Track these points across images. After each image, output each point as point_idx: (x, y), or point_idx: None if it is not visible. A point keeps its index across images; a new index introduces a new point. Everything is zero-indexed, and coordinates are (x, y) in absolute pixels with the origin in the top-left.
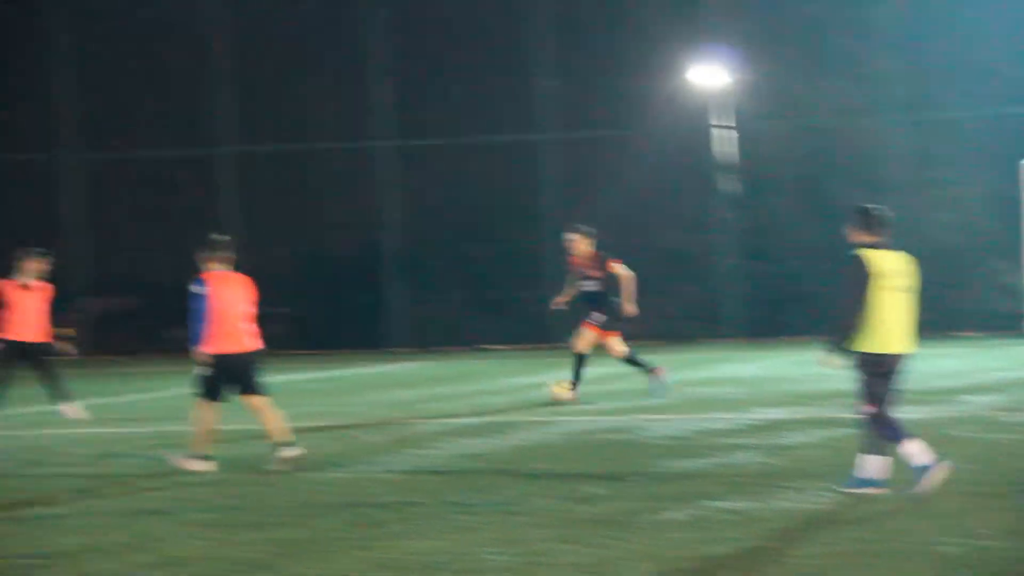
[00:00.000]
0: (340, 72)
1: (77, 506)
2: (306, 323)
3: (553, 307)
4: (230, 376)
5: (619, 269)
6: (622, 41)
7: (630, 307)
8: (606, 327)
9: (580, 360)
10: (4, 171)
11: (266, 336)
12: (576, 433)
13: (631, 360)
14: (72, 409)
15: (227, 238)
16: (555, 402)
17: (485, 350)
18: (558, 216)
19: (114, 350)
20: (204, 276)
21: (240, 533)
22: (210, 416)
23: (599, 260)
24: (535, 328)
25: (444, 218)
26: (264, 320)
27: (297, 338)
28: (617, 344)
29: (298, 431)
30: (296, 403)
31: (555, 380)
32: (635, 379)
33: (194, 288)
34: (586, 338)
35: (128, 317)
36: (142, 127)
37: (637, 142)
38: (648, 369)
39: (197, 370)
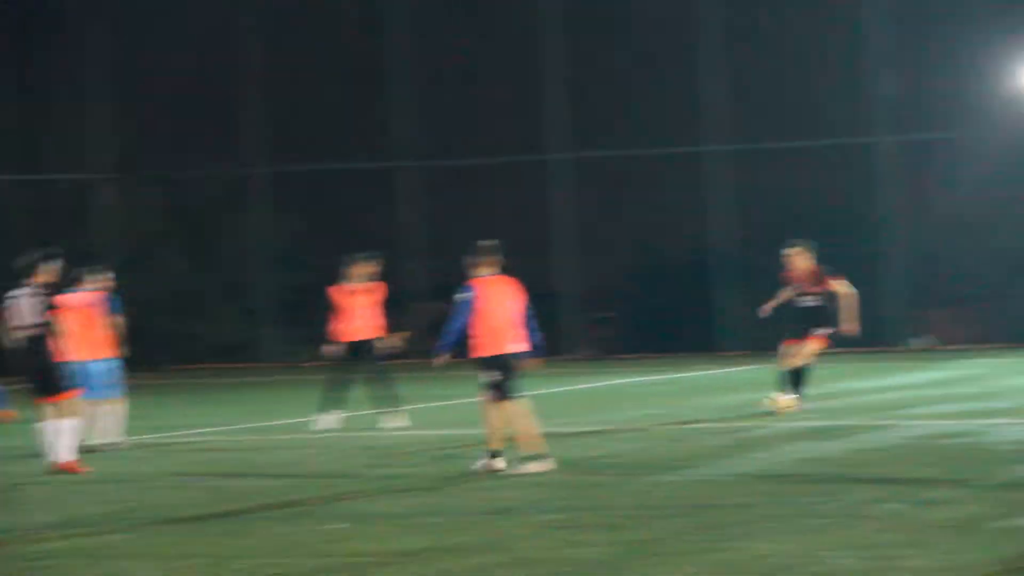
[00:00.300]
0: (675, 74)
1: (428, 506)
2: (639, 327)
3: (761, 314)
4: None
5: (840, 287)
6: (958, 41)
7: (850, 326)
8: (832, 339)
9: (798, 374)
10: (350, 178)
11: (598, 340)
12: (916, 437)
13: (797, 378)
14: (393, 418)
15: (494, 243)
16: (778, 414)
17: (819, 354)
18: (894, 219)
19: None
20: (471, 282)
21: (586, 534)
22: (507, 415)
23: (818, 276)
24: (870, 331)
25: (776, 221)
26: (597, 324)
27: (630, 342)
28: (805, 355)
29: (637, 433)
30: (632, 406)
31: (777, 394)
32: (978, 383)
33: (458, 294)
34: (809, 349)
35: None
36: (474, 134)
37: (974, 144)
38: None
39: (482, 377)
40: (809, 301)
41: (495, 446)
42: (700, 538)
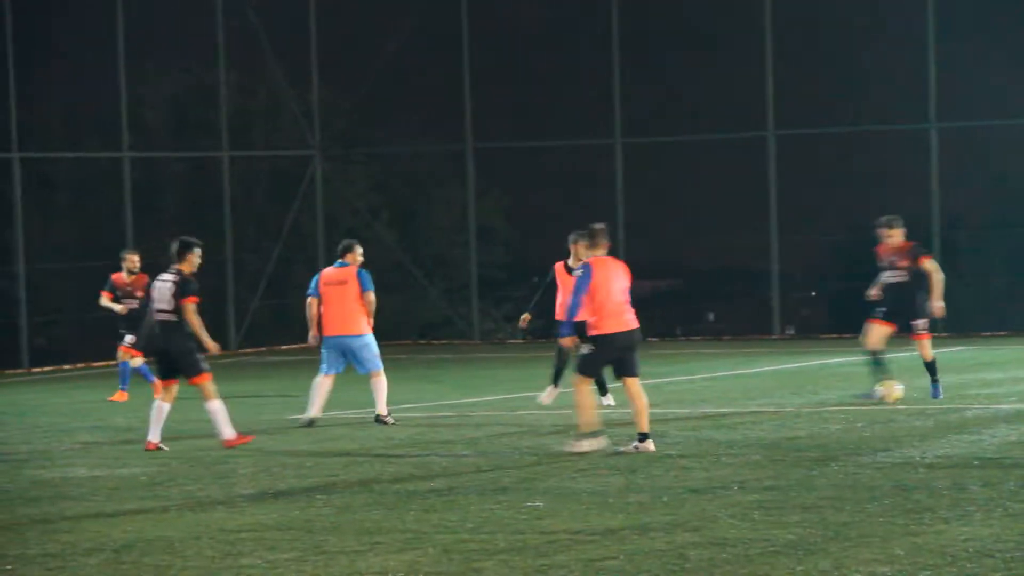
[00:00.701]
0: (897, 55)
1: (625, 485)
2: (844, 306)
3: (869, 299)
4: (613, 356)
5: (931, 265)
6: None
7: (937, 304)
8: (929, 329)
9: (932, 366)
10: (558, 156)
11: (799, 319)
12: None
13: (934, 367)
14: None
15: (601, 226)
16: (888, 402)
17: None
18: None
19: (656, 332)
20: (588, 261)
21: (787, 515)
22: (590, 393)
23: (911, 252)
24: None
25: (986, 200)
26: (800, 303)
27: (830, 321)
28: (925, 354)
29: (839, 414)
30: (836, 387)
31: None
32: None
33: (576, 272)
34: (925, 349)
35: (670, 299)
36: (689, 112)
37: None
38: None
39: (583, 349)
40: (896, 277)
41: (643, 429)
42: (904, 521)
